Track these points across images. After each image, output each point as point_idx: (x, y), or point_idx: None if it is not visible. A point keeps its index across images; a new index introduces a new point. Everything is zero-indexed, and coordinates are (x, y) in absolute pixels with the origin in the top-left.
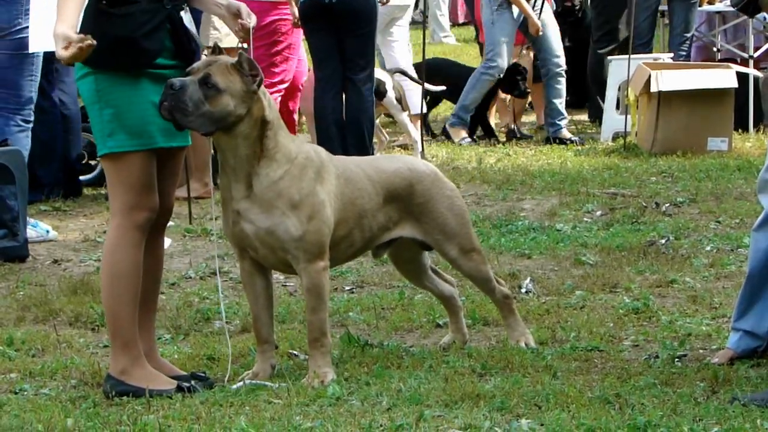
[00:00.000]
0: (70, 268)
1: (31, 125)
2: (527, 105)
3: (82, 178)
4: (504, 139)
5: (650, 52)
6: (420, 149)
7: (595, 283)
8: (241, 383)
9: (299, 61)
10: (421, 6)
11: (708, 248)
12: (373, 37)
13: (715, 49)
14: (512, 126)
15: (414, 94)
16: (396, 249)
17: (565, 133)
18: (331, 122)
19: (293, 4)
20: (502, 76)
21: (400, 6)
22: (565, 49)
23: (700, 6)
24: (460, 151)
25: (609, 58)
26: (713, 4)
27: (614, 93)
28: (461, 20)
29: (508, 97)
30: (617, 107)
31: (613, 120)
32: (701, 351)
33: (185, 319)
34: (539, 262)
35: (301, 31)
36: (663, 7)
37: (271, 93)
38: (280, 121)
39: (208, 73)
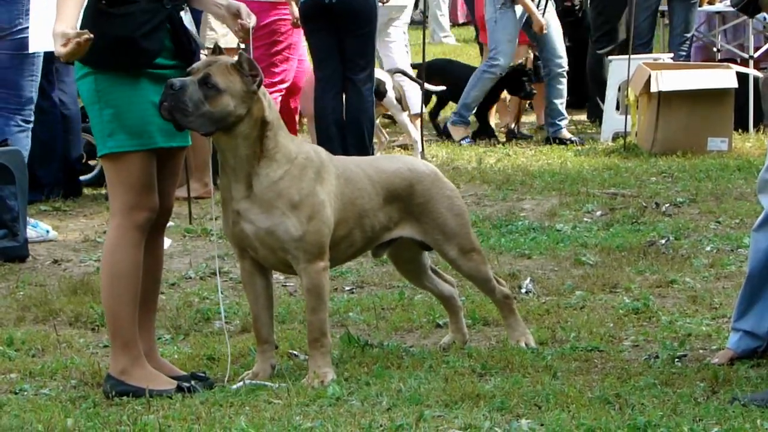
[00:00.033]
0: (70, 268)
1: (31, 125)
2: (527, 105)
3: (81, 178)
4: (504, 139)
5: (650, 52)
6: (420, 149)
7: (595, 283)
8: (241, 383)
9: (300, 60)
10: (421, 6)
11: (708, 248)
12: (373, 38)
13: (715, 49)
14: (512, 126)
15: (414, 94)
16: (396, 249)
17: (565, 134)
18: (331, 122)
19: (293, 4)
20: (503, 74)
21: (396, 7)
22: (566, 49)
23: (700, 6)
24: (460, 152)
25: (609, 58)
26: (713, 4)
27: (614, 93)
28: (461, 20)
29: (508, 97)
30: (617, 107)
31: (613, 120)
32: (701, 351)
33: (185, 319)
34: (539, 262)
35: (301, 31)
36: (663, 7)
37: (272, 93)
38: (280, 122)
39: (208, 73)
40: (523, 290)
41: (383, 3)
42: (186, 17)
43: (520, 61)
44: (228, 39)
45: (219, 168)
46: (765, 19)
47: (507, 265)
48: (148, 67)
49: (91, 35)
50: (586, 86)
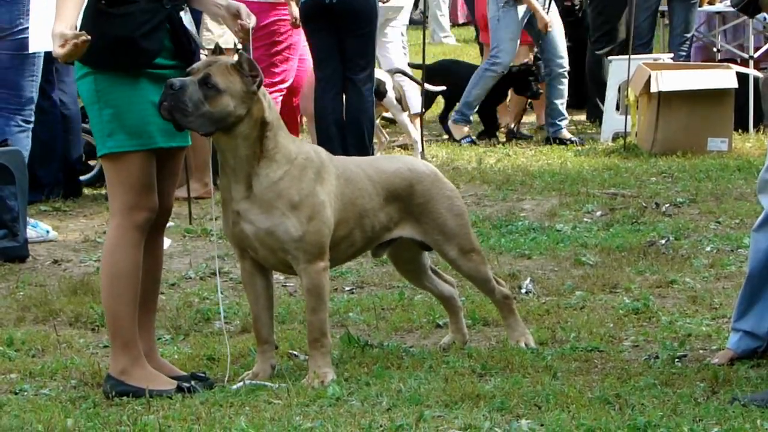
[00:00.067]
0: (70, 269)
1: (31, 125)
2: (527, 105)
3: (80, 178)
4: (504, 140)
5: (650, 52)
6: (420, 149)
7: (595, 283)
8: (241, 383)
9: (302, 60)
10: (421, 6)
11: (708, 249)
12: (374, 38)
13: (715, 49)
14: (512, 126)
15: (413, 94)
16: (396, 249)
17: (565, 134)
18: (331, 122)
19: (292, 4)
20: (505, 72)
21: (394, 7)
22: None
23: (700, 6)
24: (460, 152)
25: (609, 58)
26: (713, 4)
27: (614, 93)
28: (461, 20)
29: (509, 97)
30: (617, 107)
31: (613, 120)
32: (701, 351)
33: (185, 319)
34: (539, 262)
35: (301, 30)
36: (663, 7)
37: (272, 93)
38: (280, 122)
39: (208, 73)
40: (523, 290)
41: (383, 2)
42: (186, 17)
43: (526, 60)
44: (224, 40)
45: (219, 168)
46: (765, 19)
47: (507, 265)
48: (148, 67)
49: (89, 37)
50: (586, 86)
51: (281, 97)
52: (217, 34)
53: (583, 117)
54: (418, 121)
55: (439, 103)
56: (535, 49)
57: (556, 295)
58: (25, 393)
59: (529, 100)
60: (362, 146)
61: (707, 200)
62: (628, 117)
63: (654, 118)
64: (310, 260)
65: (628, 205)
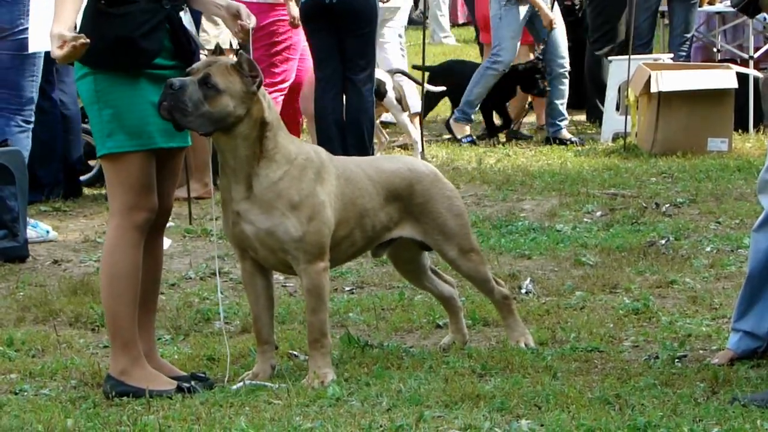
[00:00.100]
0: (70, 269)
1: (31, 126)
2: (527, 105)
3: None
4: (504, 140)
5: (650, 52)
6: (420, 149)
7: (595, 283)
8: (241, 384)
9: (303, 59)
10: (421, 6)
11: (708, 249)
12: (374, 38)
13: (715, 49)
14: (512, 126)
15: (413, 93)
16: (395, 249)
17: (565, 134)
18: (331, 122)
19: (290, 4)
20: (506, 71)
21: (390, 8)
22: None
23: (700, 6)
24: (460, 152)
25: (609, 58)
26: (713, 4)
27: (614, 93)
28: (461, 21)
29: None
30: (617, 108)
31: (613, 120)
32: (701, 352)
33: (185, 319)
34: (539, 262)
35: (302, 30)
36: (663, 7)
37: (273, 93)
38: (279, 122)
39: (207, 73)
40: (523, 291)
41: (383, 3)
42: (185, 18)
43: (532, 57)
44: (218, 41)
45: (219, 168)
46: (765, 19)
47: (507, 265)
48: (148, 67)
49: (88, 40)
50: (586, 86)
51: (282, 97)
52: (212, 35)
53: (583, 117)
54: (417, 120)
55: (440, 103)
56: (536, 49)
57: (556, 296)
58: (25, 393)
59: (530, 100)
60: (362, 146)
61: (707, 200)
62: (628, 117)
63: (654, 118)
64: (310, 260)
65: (628, 206)
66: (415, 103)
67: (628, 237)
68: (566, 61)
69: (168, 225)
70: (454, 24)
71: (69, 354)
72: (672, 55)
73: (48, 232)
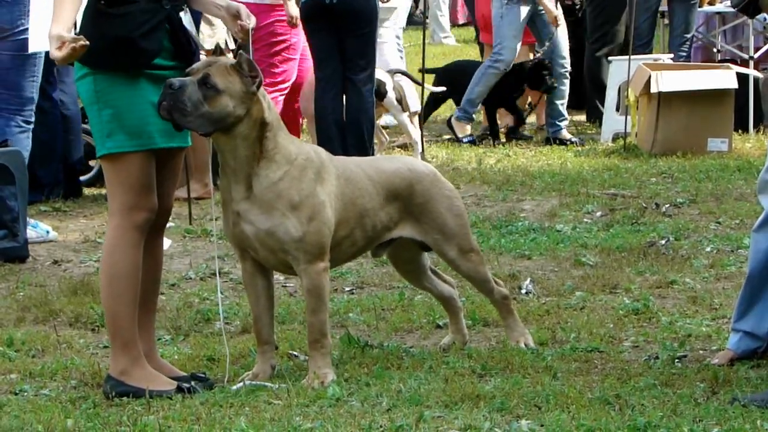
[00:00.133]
0: (70, 269)
1: (31, 126)
2: (526, 105)
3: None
4: (504, 140)
5: (650, 52)
6: (420, 149)
7: (595, 284)
8: (241, 384)
9: (303, 59)
10: (421, 6)
11: (708, 249)
12: (374, 38)
13: (715, 49)
14: (512, 126)
15: (412, 92)
16: (395, 250)
17: (565, 134)
18: (331, 123)
19: (288, 3)
20: (508, 70)
21: (386, 8)
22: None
23: (700, 7)
24: (460, 152)
25: (609, 58)
26: (713, 4)
27: (614, 94)
28: (461, 21)
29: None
30: (617, 108)
31: (613, 121)
32: (701, 352)
33: (185, 319)
34: (539, 263)
35: (302, 30)
36: (663, 7)
37: (274, 93)
38: (279, 123)
39: (207, 73)
40: (523, 291)
41: (383, 3)
42: (185, 18)
43: (538, 54)
44: (214, 41)
45: (219, 169)
46: (765, 19)
47: (507, 265)
48: (147, 67)
49: (87, 42)
50: (586, 87)
51: (282, 98)
52: (206, 35)
53: (583, 117)
54: (416, 119)
55: (438, 103)
56: (539, 51)
57: (556, 296)
58: (25, 393)
59: (529, 101)
60: (362, 147)
61: (707, 201)
62: (628, 117)
63: (654, 118)
64: (310, 261)
65: (628, 206)
66: (415, 102)
67: (628, 237)
68: (567, 62)
69: (168, 225)
70: (454, 24)
71: (69, 354)
72: (672, 56)
73: (48, 232)
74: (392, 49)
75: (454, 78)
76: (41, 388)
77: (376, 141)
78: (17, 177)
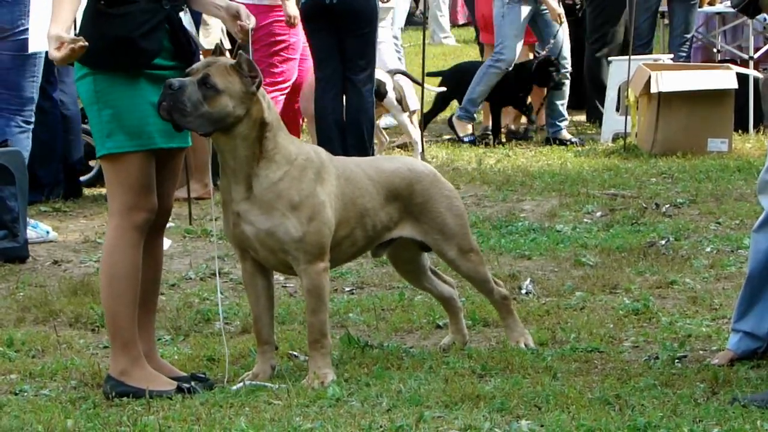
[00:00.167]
0: (70, 269)
1: (31, 126)
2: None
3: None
4: (504, 140)
5: (650, 53)
6: (420, 150)
7: (595, 284)
8: (241, 384)
9: (303, 59)
10: (421, 6)
11: (708, 249)
12: (374, 38)
13: (715, 50)
14: (512, 126)
15: (411, 92)
16: (395, 250)
17: (565, 134)
18: (331, 123)
19: (286, 3)
20: (510, 69)
21: (383, 8)
22: None
23: (700, 7)
24: (460, 152)
25: (609, 58)
26: (713, 5)
27: (614, 94)
28: (461, 21)
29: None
30: (617, 108)
31: (613, 121)
32: (701, 352)
33: (185, 320)
34: (539, 263)
35: (302, 30)
36: (663, 8)
37: (274, 93)
38: (279, 123)
39: (207, 73)
40: (523, 291)
41: (383, 2)
42: (185, 18)
43: (545, 53)
44: (209, 41)
45: (219, 169)
46: (765, 20)
47: (507, 266)
48: (147, 67)
49: (86, 43)
50: (586, 87)
51: (282, 97)
52: (201, 35)
53: (583, 118)
54: (415, 118)
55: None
56: (537, 50)
57: (556, 296)
58: (25, 394)
59: (529, 101)
60: (362, 147)
61: (707, 201)
62: (628, 117)
63: (654, 118)
64: (310, 261)
65: (628, 206)
66: (414, 101)
67: (628, 237)
68: (567, 62)
69: (168, 225)
70: (454, 24)
71: (69, 354)
72: (672, 56)
73: (48, 232)
74: (389, 49)
75: (460, 80)
76: (41, 389)
77: (376, 141)
78: (17, 177)
